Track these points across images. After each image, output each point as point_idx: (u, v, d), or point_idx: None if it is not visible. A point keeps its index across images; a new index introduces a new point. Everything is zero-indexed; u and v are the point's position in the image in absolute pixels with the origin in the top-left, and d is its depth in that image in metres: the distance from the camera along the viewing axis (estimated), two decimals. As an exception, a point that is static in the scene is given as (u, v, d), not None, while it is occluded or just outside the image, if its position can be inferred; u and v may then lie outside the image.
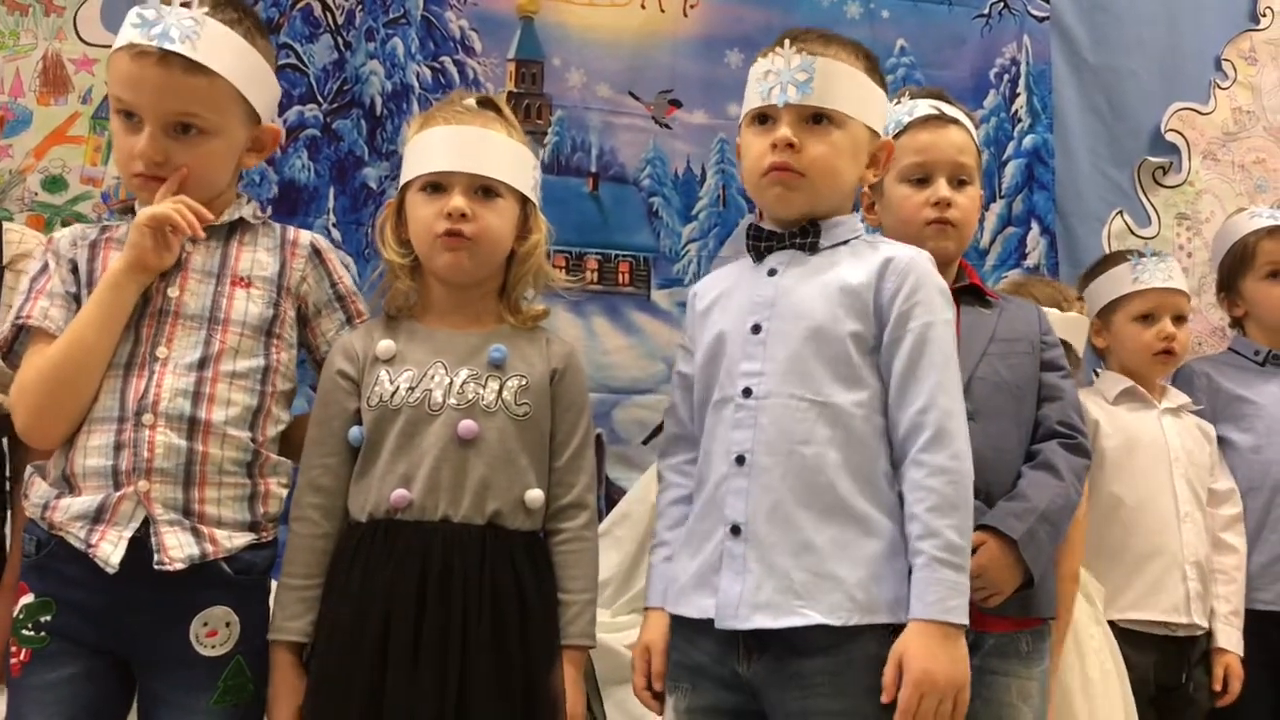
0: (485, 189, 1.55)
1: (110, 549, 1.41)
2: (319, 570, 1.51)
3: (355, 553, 1.49)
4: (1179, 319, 2.26)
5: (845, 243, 1.51)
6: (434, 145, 1.56)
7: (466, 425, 1.49)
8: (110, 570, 1.40)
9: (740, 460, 1.41)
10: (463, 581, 1.44)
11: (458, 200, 1.52)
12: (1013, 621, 1.66)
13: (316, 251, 1.63)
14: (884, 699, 1.31)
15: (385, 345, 1.55)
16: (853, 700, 1.33)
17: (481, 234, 1.54)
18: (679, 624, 1.47)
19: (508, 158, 1.58)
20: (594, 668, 1.60)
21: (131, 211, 1.54)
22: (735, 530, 1.39)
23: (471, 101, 1.63)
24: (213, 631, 1.46)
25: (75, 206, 2.23)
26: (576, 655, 1.52)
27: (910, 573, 1.36)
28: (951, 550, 1.33)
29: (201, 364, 1.48)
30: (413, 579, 1.44)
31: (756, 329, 1.46)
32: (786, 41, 1.48)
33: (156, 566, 1.41)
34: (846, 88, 1.48)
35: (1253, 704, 2.12)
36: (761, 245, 1.53)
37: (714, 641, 1.41)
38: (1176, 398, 2.27)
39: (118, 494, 1.43)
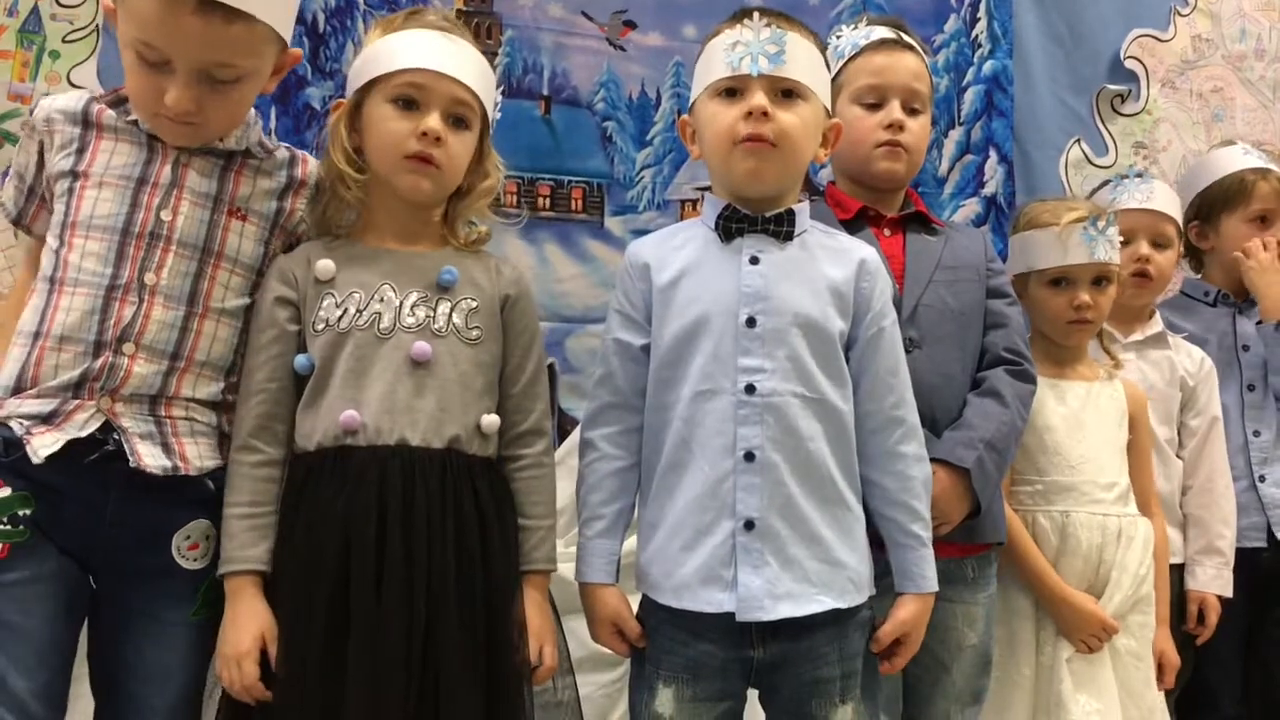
0: (457, 119, 1.50)
1: (52, 440, 1.36)
2: (267, 498, 1.45)
3: (304, 483, 1.44)
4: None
5: (805, 231, 1.54)
6: (412, 47, 1.48)
7: (420, 347, 1.45)
8: (36, 461, 1.35)
9: (749, 457, 1.44)
10: (425, 507, 1.40)
11: (434, 121, 1.46)
12: (959, 548, 1.69)
13: (318, 185, 1.57)
14: (875, 649, 1.50)
15: (324, 265, 1.49)
16: (850, 662, 1.48)
17: (449, 163, 1.49)
18: (675, 617, 1.47)
19: (486, 79, 1.53)
20: (552, 595, 1.58)
21: (123, 103, 1.47)
22: (749, 525, 1.43)
23: (434, 19, 1.55)
24: (194, 545, 1.44)
25: (2, 124, 2.15)
26: (541, 580, 1.51)
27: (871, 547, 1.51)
28: (929, 529, 1.51)
29: (191, 298, 1.44)
30: (371, 505, 1.39)
31: (751, 322, 1.47)
32: (755, 15, 1.48)
33: (133, 466, 1.37)
34: (812, 63, 1.51)
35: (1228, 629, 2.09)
36: (733, 226, 1.52)
37: (722, 632, 1.45)
38: (1150, 327, 2.17)
39: (75, 403, 1.38)
